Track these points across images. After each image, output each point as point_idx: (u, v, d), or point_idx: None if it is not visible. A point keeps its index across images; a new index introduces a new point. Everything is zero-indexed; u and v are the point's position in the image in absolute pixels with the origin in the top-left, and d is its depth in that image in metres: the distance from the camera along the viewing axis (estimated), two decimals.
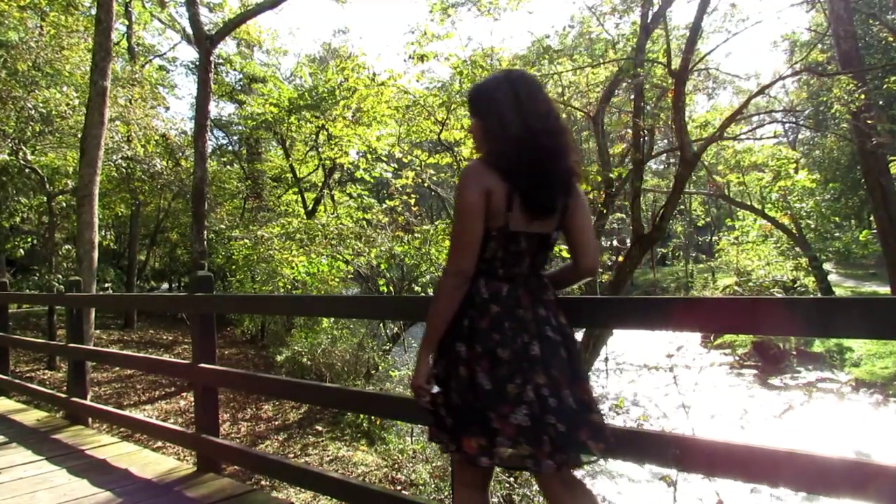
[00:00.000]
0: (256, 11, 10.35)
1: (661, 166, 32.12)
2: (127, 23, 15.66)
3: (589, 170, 8.43)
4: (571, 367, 1.61)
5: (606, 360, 13.23)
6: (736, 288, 18.24)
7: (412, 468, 5.63)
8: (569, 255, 1.79)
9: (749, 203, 18.33)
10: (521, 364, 1.54)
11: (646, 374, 13.89)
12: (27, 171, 11.12)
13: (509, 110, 1.61)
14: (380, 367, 8.45)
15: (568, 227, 1.70)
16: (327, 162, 15.13)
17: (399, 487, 5.53)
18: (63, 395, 4.96)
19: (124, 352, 8.81)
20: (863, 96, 9.85)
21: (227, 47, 18.37)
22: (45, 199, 11.91)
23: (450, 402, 1.61)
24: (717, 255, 23.95)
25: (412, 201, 12.42)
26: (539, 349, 1.57)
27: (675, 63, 7.52)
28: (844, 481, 1.41)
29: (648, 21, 8.08)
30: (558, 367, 1.58)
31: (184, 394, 8.91)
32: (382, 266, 9.49)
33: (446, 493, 4.88)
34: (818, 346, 14.64)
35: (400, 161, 14.94)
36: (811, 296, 15.25)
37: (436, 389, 1.66)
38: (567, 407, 1.54)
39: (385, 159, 15.14)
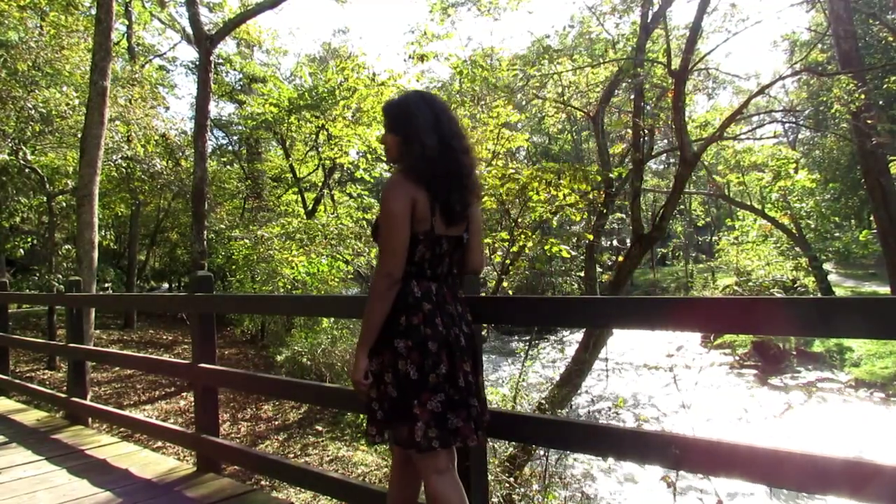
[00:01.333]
0: (256, 11, 10.35)
1: (661, 166, 32.12)
2: (127, 23, 15.66)
3: (589, 170, 8.42)
4: (478, 356, 1.92)
5: (606, 360, 13.23)
6: (736, 288, 18.24)
7: None
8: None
9: (749, 203, 18.34)
10: (449, 354, 1.75)
11: (646, 374, 13.89)
12: (27, 171, 11.12)
13: (430, 128, 1.82)
14: None
15: (469, 230, 1.92)
16: (327, 162, 15.13)
17: None
18: (63, 395, 4.96)
19: (124, 352, 8.81)
20: (863, 96, 9.85)
21: (227, 47, 18.37)
22: (45, 199, 11.91)
23: (383, 395, 1.77)
24: (717, 255, 23.96)
25: None
26: (465, 341, 1.82)
27: (675, 63, 7.52)
28: (844, 481, 1.41)
29: (648, 21, 8.08)
30: (472, 354, 1.85)
31: (184, 394, 8.91)
32: None
33: None
34: (818, 346, 14.64)
35: None
36: (811, 296, 15.25)
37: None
38: (481, 390, 1.86)
39: (385, 159, 15.13)
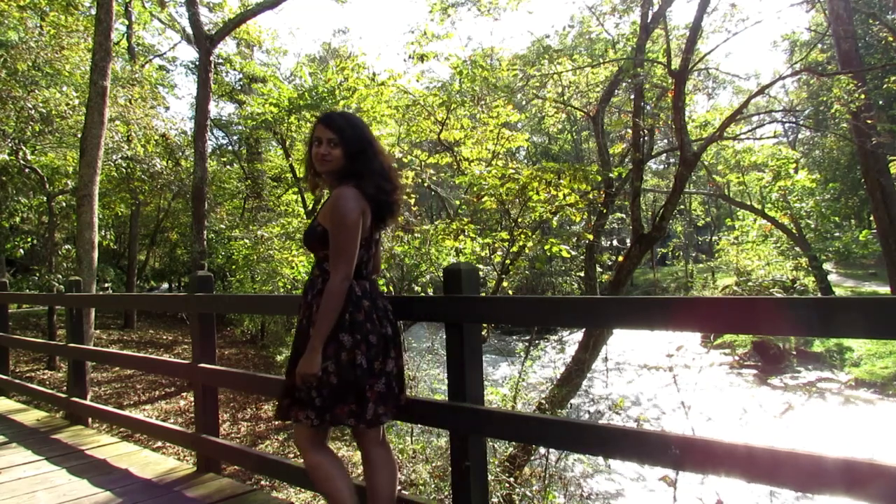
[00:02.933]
0: (256, 11, 10.35)
1: (661, 166, 32.12)
2: (127, 23, 15.66)
3: (589, 170, 8.42)
4: (400, 343, 2.16)
5: (606, 359, 13.23)
6: (736, 288, 18.24)
7: (412, 468, 5.63)
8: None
9: (749, 203, 18.34)
10: (384, 345, 2.03)
11: (646, 374, 13.89)
12: (27, 171, 11.12)
13: (378, 151, 2.08)
14: None
15: (380, 235, 2.19)
16: None
17: (399, 487, 5.53)
18: (63, 395, 4.96)
19: (124, 352, 8.81)
20: (863, 96, 9.85)
21: (227, 47, 18.37)
22: (45, 199, 11.90)
23: (324, 384, 1.95)
24: (717, 254, 23.96)
25: (412, 201, 12.42)
26: (392, 331, 2.08)
27: (675, 63, 7.52)
28: (844, 481, 1.41)
29: (648, 21, 8.08)
30: (398, 342, 2.12)
31: (184, 394, 8.92)
32: (382, 266, 9.49)
33: (446, 493, 4.88)
34: (818, 346, 14.64)
35: (400, 161, 14.94)
36: (811, 296, 15.25)
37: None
38: (402, 373, 2.12)
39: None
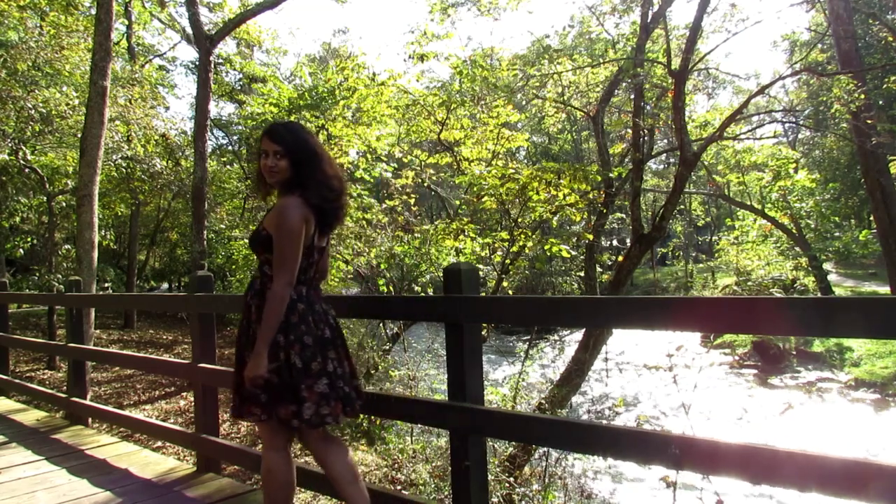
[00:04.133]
0: (256, 11, 10.34)
1: (661, 166, 32.12)
2: (127, 23, 15.65)
3: (589, 170, 8.42)
4: (346, 345, 2.22)
5: (606, 359, 13.22)
6: (736, 288, 18.23)
7: (412, 468, 5.63)
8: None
9: (749, 203, 18.33)
10: (321, 346, 2.09)
11: (646, 374, 13.89)
12: (27, 170, 11.11)
13: (322, 160, 2.15)
14: (379, 367, 8.44)
15: (327, 242, 2.28)
16: None
17: (399, 487, 5.53)
18: (63, 395, 4.96)
19: (124, 352, 8.81)
20: (863, 96, 9.85)
21: (227, 47, 18.36)
22: (45, 199, 11.90)
23: (267, 382, 2.03)
24: (716, 254, 23.95)
25: (412, 201, 12.41)
26: (329, 333, 2.14)
27: (675, 63, 7.52)
28: (844, 481, 1.41)
29: (648, 21, 8.08)
30: (341, 345, 2.18)
31: (184, 394, 8.91)
32: (382, 266, 9.48)
33: (446, 493, 4.88)
34: (818, 346, 14.64)
35: (400, 161, 14.93)
36: (811, 296, 15.25)
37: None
38: (348, 374, 2.17)
39: (385, 159, 15.13)
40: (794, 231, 17.04)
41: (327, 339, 2.13)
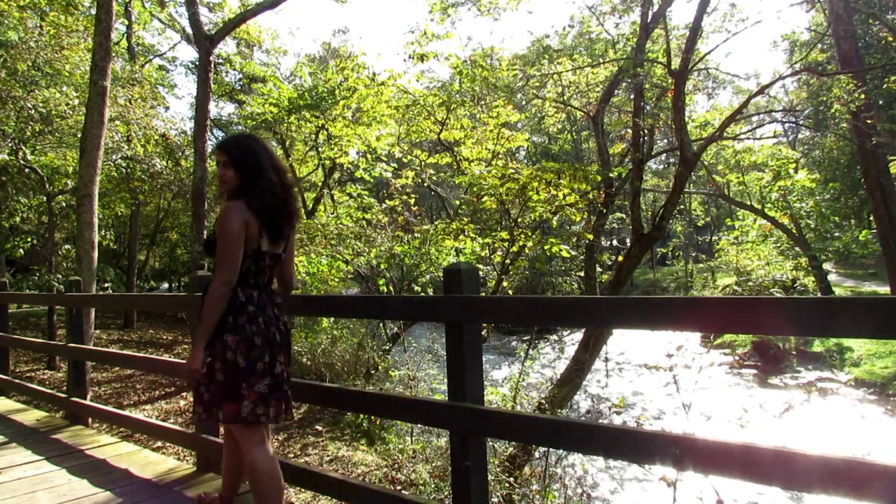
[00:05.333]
0: (256, 11, 10.34)
1: (661, 166, 32.12)
2: (127, 22, 15.66)
3: (589, 170, 8.42)
4: (290, 351, 2.38)
5: (606, 359, 13.23)
6: (736, 288, 18.24)
7: (412, 468, 5.63)
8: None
9: (749, 203, 18.33)
10: (270, 348, 2.21)
11: (646, 374, 13.89)
12: (27, 170, 11.11)
13: (265, 167, 2.26)
14: (379, 367, 8.44)
15: (285, 249, 2.40)
16: (327, 162, 15.12)
17: (399, 487, 5.53)
18: (63, 395, 4.96)
19: (124, 352, 8.80)
20: (863, 96, 9.85)
21: (227, 47, 18.37)
22: (45, 199, 11.89)
23: (211, 380, 2.16)
24: (716, 254, 23.96)
25: (412, 201, 12.42)
26: (279, 337, 2.27)
27: (675, 63, 7.52)
28: (844, 481, 1.41)
29: (648, 21, 8.08)
30: (287, 351, 2.32)
31: (184, 394, 8.90)
32: (382, 266, 9.49)
33: (446, 493, 4.88)
34: (818, 346, 14.64)
35: (400, 161, 14.93)
36: (811, 296, 15.24)
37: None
38: (289, 377, 2.32)
39: (385, 159, 15.13)
40: (794, 231, 17.04)
41: (278, 342, 2.25)
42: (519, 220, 8.27)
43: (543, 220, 8.73)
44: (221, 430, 3.07)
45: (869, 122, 10.96)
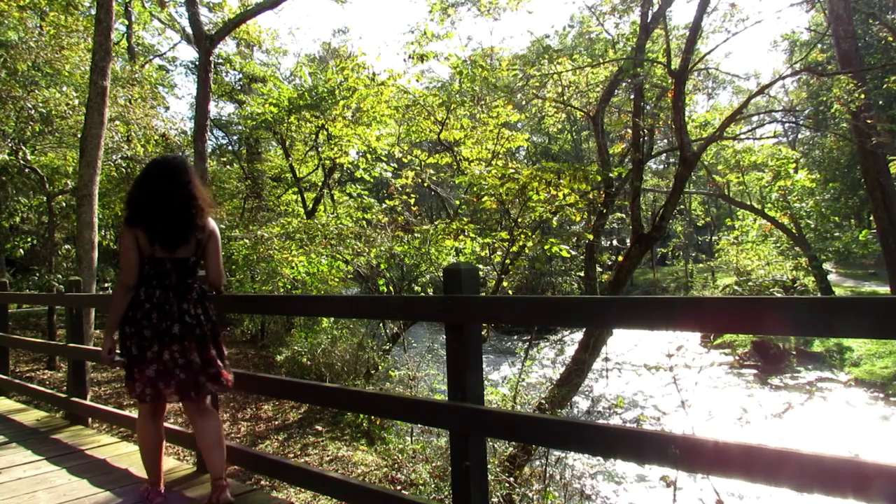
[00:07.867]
0: (256, 11, 10.34)
1: (661, 166, 32.12)
2: (127, 23, 15.67)
3: (589, 170, 8.42)
4: (202, 340, 2.63)
5: (606, 359, 13.21)
6: (736, 288, 18.23)
7: (412, 468, 5.63)
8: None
9: (749, 203, 18.33)
10: (160, 339, 2.55)
11: (646, 374, 13.88)
12: (27, 170, 11.11)
13: (143, 189, 2.65)
14: (379, 367, 8.44)
15: (204, 255, 2.77)
16: (327, 162, 15.12)
17: (399, 487, 5.53)
18: (63, 395, 4.96)
19: None
20: (863, 96, 9.86)
21: (227, 47, 18.37)
22: (45, 199, 11.89)
23: (122, 363, 2.63)
24: (716, 254, 23.96)
25: (412, 201, 12.41)
26: (178, 329, 2.58)
27: (675, 63, 7.53)
28: (844, 481, 1.40)
29: (648, 21, 8.08)
30: (189, 339, 2.60)
31: None
32: (382, 266, 9.48)
33: (446, 493, 4.88)
34: (818, 346, 14.64)
35: (400, 161, 14.93)
36: (811, 296, 15.24)
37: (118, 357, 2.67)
38: (192, 363, 2.58)
39: (385, 159, 15.13)
40: (794, 231, 17.04)
41: (174, 334, 2.56)
42: (519, 220, 8.27)
43: (543, 220, 8.73)
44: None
45: (869, 122, 10.97)
